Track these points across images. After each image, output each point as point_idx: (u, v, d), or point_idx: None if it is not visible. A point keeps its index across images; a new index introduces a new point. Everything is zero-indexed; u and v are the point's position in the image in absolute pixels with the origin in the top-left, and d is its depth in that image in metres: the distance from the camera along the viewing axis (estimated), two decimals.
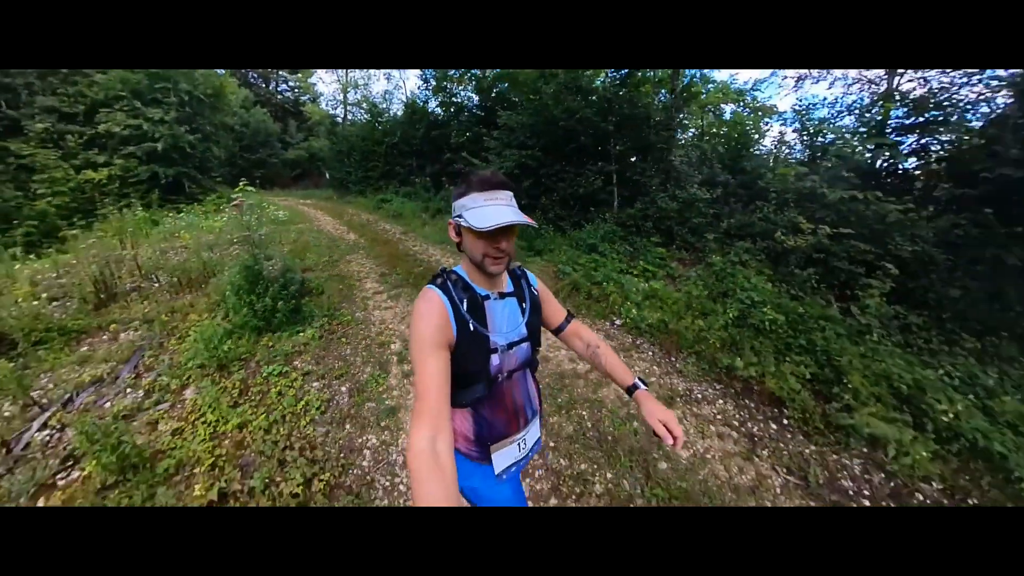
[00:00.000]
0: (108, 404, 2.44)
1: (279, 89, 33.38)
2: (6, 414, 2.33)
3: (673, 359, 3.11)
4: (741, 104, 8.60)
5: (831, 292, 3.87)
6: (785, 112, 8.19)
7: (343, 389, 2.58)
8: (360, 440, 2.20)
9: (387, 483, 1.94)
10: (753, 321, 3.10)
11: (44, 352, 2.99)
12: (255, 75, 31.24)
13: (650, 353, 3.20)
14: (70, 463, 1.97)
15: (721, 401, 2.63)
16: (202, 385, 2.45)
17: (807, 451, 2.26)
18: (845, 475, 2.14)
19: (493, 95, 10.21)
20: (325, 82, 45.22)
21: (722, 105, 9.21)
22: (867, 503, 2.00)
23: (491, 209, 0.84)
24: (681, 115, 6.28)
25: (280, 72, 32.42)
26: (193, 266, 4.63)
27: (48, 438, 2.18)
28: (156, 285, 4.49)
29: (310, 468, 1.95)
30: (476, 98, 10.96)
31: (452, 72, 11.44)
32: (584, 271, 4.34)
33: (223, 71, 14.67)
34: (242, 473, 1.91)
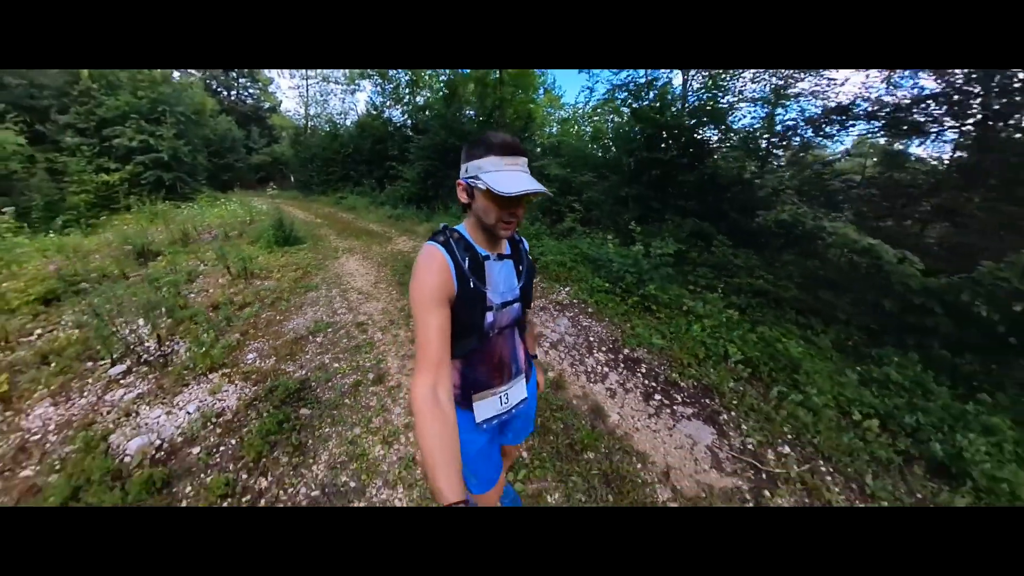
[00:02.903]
0: None
1: (241, 97, 35.56)
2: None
3: None
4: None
5: (551, 222, 8.15)
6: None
7: (320, 255, 6.65)
8: (324, 260, 6.33)
9: (336, 266, 6.04)
10: None
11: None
12: (218, 84, 33.42)
13: None
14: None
15: None
16: (266, 254, 6.40)
17: None
18: None
19: (421, 116, 14.29)
20: (288, 97, 47.62)
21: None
22: None
23: (512, 174, 0.85)
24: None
25: (241, 80, 34.77)
26: (233, 227, 8.40)
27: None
28: (211, 237, 8.20)
29: (309, 260, 6.07)
30: (416, 116, 14.99)
31: (403, 84, 15.44)
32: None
33: (196, 81, 17.64)
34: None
